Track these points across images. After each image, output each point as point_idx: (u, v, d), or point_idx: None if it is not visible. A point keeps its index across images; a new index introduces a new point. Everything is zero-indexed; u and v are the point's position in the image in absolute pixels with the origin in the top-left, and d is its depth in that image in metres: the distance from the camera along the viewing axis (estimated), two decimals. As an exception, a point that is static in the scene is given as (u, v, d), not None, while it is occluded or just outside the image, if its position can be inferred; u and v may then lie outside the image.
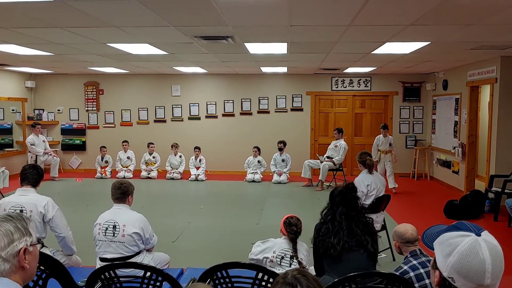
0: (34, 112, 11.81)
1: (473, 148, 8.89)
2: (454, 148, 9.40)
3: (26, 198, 3.96)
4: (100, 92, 11.89)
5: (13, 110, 11.34)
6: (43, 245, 4.01)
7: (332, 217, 3.22)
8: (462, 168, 9.15)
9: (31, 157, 10.24)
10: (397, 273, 2.71)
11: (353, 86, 11.42)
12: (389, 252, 5.19)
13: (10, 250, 1.51)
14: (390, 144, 9.61)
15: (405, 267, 2.78)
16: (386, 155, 9.52)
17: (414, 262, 2.80)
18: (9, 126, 11.29)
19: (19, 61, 8.62)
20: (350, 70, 10.27)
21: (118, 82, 11.75)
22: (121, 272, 3.02)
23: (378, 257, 3.31)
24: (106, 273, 2.86)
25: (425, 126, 11.37)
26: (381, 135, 9.65)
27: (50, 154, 10.50)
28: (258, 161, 10.75)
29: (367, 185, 5.30)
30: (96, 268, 2.96)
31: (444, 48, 6.73)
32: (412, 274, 2.71)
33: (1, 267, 1.49)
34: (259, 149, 10.76)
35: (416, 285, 2.64)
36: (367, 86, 11.40)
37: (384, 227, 5.41)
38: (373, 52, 7.09)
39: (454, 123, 9.54)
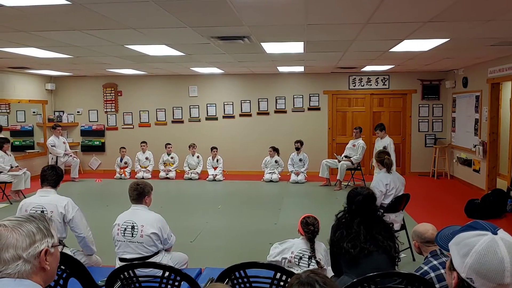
0: (54, 114, 12.00)
1: (494, 146, 8.73)
2: (475, 146, 9.24)
3: (47, 199, 4.01)
4: (119, 94, 12.01)
5: (34, 112, 11.55)
6: (64, 246, 4.06)
7: (347, 223, 3.17)
8: (483, 167, 8.99)
9: (52, 159, 10.41)
10: (417, 274, 2.67)
11: (371, 85, 11.32)
12: (409, 252, 5.12)
13: (32, 251, 1.50)
14: (384, 148, 8.69)
15: (426, 268, 2.74)
16: None
17: (435, 262, 2.75)
18: (30, 128, 11.50)
19: (39, 63, 8.76)
20: (367, 68, 10.19)
21: (136, 83, 11.86)
22: (140, 272, 3.05)
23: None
24: (126, 273, 2.89)
25: (445, 124, 11.21)
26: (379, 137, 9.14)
27: (70, 155, 10.65)
28: (276, 161, 10.73)
29: (386, 184, 5.25)
30: (116, 268, 2.99)
31: (464, 45, 6.62)
32: (432, 274, 2.67)
33: (22, 268, 1.48)
34: (274, 149, 10.72)
35: (437, 285, 2.60)
36: (385, 85, 11.29)
37: (403, 227, 5.35)
38: (391, 50, 7.02)
39: (474, 121, 9.38)
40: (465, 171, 9.97)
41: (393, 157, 8.62)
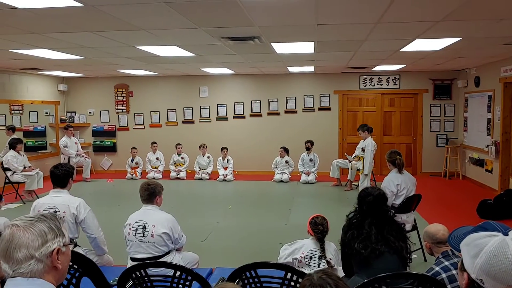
0: (66, 114, 12.11)
1: (507, 146, 8.64)
2: (487, 146, 9.16)
3: (59, 200, 4.05)
4: (130, 94, 12.09)
5: (46, 113, 11.67)
6: (76, 245, 4.10)
7: (358, 224, 3.17)
8: (496, 167, 8.90)
9: (64, 159, 10.50)
10: (428, 274, 2.66)
11: (382, 84, 11.26)
12: (420, 252, 5.09)
13: (44, 250, 1.51)
14: (363, 150, 8.82)
15: (437, 268, 2.73)
16: (359, 162, 8.95)
17: (446, 263, 2.74)
18: (43, 128, 11.62)
19: (52, 65, 8.85)
20: (378, 68, 10.14)
21: (147, 84, 11.93)
22: (151, 271, 3.07)
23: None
24: (137, 272, 2.92)
25: (457, 124, 11.11)
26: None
27: (82, 156, 10.74)
28: (286, 161, 10.72)
29: (397, 185, 5.22)
30: (128, 267, 3.01)
31: (476, 44, 6.56)
32: (444, 275, 2.65)
33: (34, 267, 1.49)
34: (285, 149, 10.71)
35: (449, 286, 2.59)
36: (396, 84, 11.23)
37: (415, 227, 5.32)
38: (402, 50, 6.98)
39: (487, 121, 9.29)
40: (478, 171, 9.88)
41: (368, 158, 8.60)
